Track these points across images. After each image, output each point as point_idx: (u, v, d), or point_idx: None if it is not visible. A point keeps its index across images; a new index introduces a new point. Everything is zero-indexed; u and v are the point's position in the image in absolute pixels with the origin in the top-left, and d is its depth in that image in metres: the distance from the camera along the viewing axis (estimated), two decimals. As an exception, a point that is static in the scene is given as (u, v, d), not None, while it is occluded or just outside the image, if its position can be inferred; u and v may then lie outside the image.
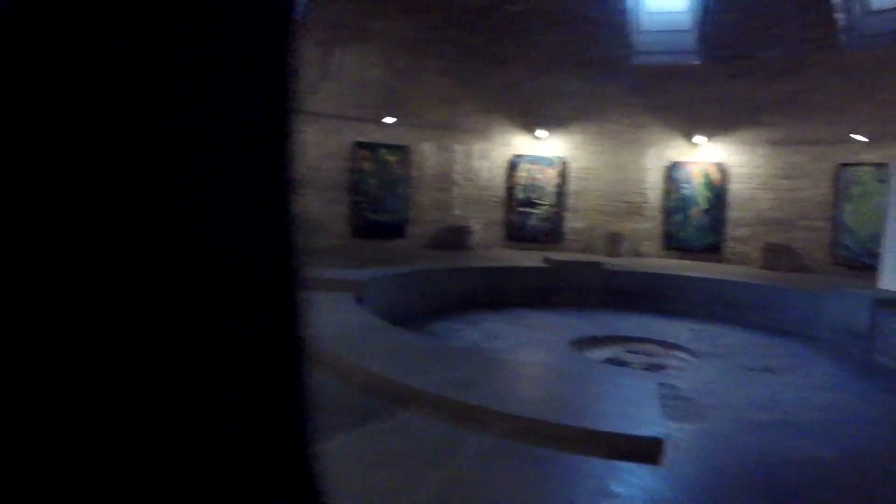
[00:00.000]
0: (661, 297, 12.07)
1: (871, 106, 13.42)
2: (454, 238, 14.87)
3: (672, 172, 15.87)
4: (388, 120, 14.25)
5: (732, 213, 15.52)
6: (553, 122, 16.00)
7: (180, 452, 0.62)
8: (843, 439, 5.60)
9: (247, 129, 0.67)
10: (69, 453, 0.53)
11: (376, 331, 6.40)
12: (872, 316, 9.02)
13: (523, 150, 16.01)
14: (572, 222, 16.25)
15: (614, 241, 15.59)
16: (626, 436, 3.70)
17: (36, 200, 0.51)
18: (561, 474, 3.16)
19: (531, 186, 16.02)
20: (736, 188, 15.51)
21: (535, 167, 15.99)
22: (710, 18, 14.74)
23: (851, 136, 13.36)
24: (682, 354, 9.08)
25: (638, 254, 15.84)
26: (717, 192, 15.52)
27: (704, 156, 15.67)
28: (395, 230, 14.56)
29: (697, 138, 15.53)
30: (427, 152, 15.21)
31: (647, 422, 3.93)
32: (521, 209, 16.03)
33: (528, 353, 8.41)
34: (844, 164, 13.99)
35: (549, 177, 16.04)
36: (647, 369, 8.20)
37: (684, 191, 15.76)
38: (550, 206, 16.08)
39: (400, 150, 14.67)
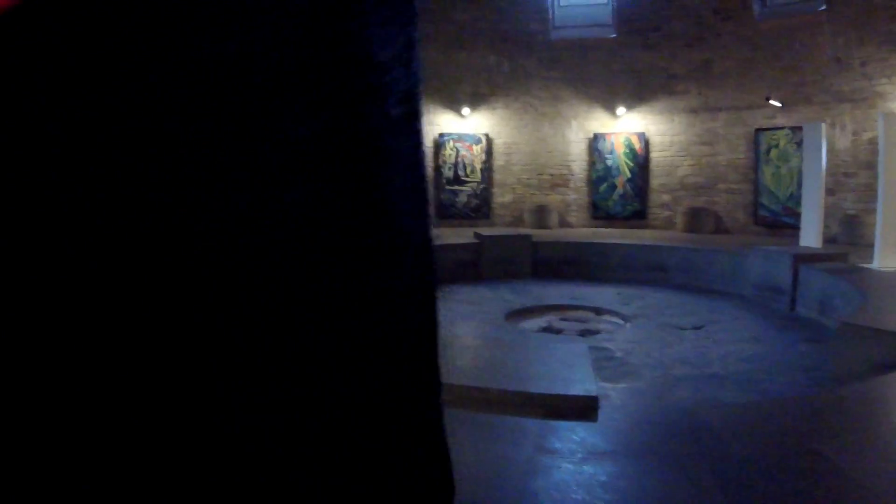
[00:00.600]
0: (589, 265, 12.32)
1: (782, 72, 13.92)
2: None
3: (595, 144, 16.17)
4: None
5: (655, 181, 15.94)
6: (475, 98, 16.10)
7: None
8: (764, 387, 5.90)
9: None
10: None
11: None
12: (794, 271, 9.43)
13: (448, 129, 16.07)
14: (500, 197, 16.42)
15: (542, 214, 15.82)
16: (561, 395, 3.83)
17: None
18: (501, 436, 3.27)
19: (458, 164, 16.12)
20: (657, 156, 15.92)
21: (461, 144, 16.09)
22: (624, -9, 15.08)
23: (769, 100, 13.82)
24: (613, 318, 9.33)
25: (565, 224, 16.14)
26: (640, 161, 15.90)
27: (625, 126, 16.01)
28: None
29: (619, 109, 15.84)
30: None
31: (581, 382, 4.06)
32: (449, 187, 16.11)
33: (464, 328, 8.51)
34: (760, 129, 14.49)
35: (475, 153, 16.16)
36: (580, 335, 8.39)
37: (608, 161, 16.08)
38: (478, 182, 16.22)
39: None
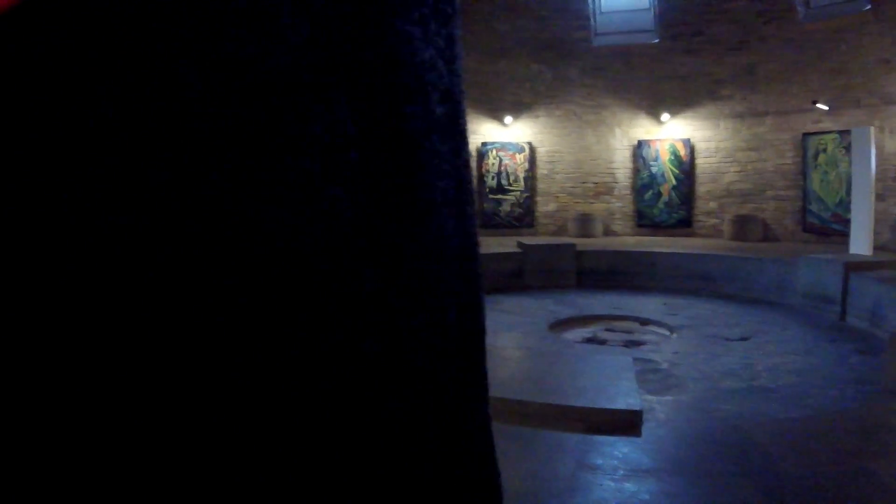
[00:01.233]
0: (634, 274, 12.19)
1: (828, 74, 13.62)
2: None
3: (639, 151, 16.00)
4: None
5: (701, 188, 15.69)
6: (517, 107, 16.05)
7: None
8: (813, 401, 5.74)
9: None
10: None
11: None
12: (844, 280, 9.19)
13: (491, 138, 16.04)
14: (543, 206, 16.33)
15: (586, 222, 15.69)
16: (603, 410, 3.76)
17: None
18: (542, 451, 3.22)
19: (501, 173, 16.08)
20: (703, 163, 15.68)
21: (503, 153, 16.05)
22: (665, -4, 14.95)
23: (816, 104, 13.53)
24: (659, 329, 9.19)
25: (610, 233, 15.98)
26: (685, 168, 15.66)
27: (670, 133, 15.80)
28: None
29: (664, 116, 15.66)
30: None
31: (625, 395, 3.99)
32: (492, 196, 16.08)
33: (506, 339, 8.47)
34: (807, 134, 14.17)
35: (518, 162, 16.10)
36: (625, 346, 8.29)
37: (652, 168, 15.89)
38: (521, 191, 16.15)
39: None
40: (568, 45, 15.57)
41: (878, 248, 11.44)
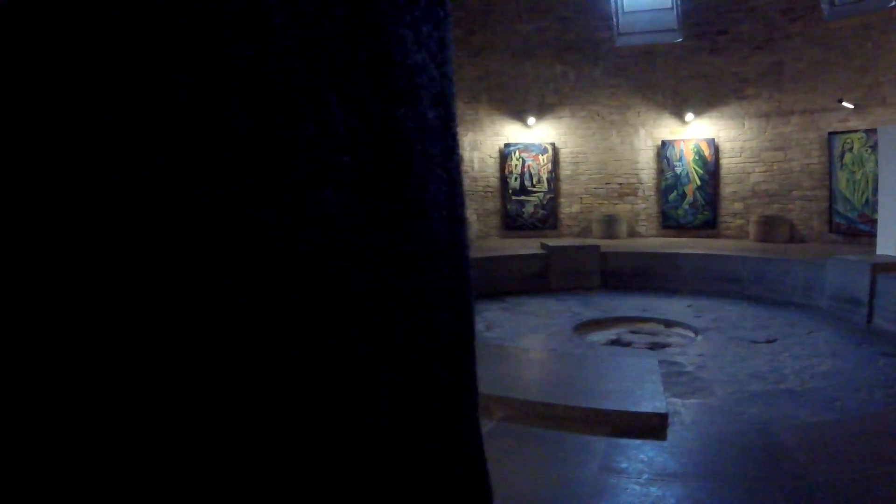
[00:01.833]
0: (659, 276, 12.11)
1: (854, 73, 13.47)
2: (450, 231, 14.84)
3: (663, 151, 15.89)
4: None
5: (726, 189, 15.57)
6: (540, 108, 16.01)
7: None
8: (841, 404, 5.66)
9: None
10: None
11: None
12: (871, 282, 9.06)
13: (514, 139, 16.02)
14: (567, 207, 16.28)
15: (610, 224, 15.62)
16: (629, 412, 3.74)
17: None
18: (567, 454, 3.19)
19: (524, 174, 16.04)
20: (727, 163, 15.55)
21: (526, 154, 16.01)
22: (688, -5, 14.88)
23: (841, 103, 13.39)
24: (684, 331, 9.12)
25: (635, 235, 15.90)
26: (710, 169, 15.55)
27: (694, 133, 15.68)
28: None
29: (688, 116, 15.55)
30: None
31: (650, 398, 3.96)
32: (515, 198, 16.05)
33: (531, 340, 8.45)
34: (833, 133, 13.99)
35: (541, 163, 16.06)
36: (650, 348, 8.23)
37: (677, 169, 15.78)
38: (545, 192, 16.10)
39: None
40: (591, 45, 15.52)
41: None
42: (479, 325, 9.05)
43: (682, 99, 15.58)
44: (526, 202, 16.07)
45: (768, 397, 5.97)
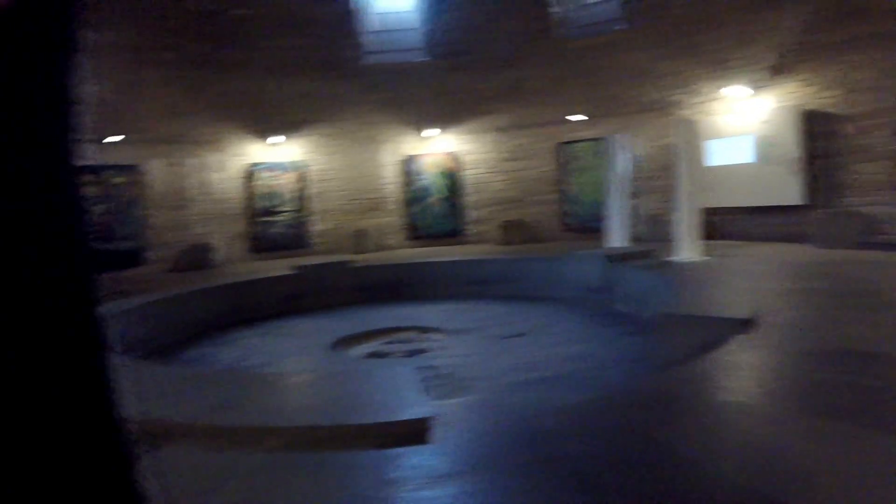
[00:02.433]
0: (410, 285, 12.34)
1: (585, 88, 14.74)
2: (197, 257, 14.16)
3: (408, 166, 16.34)
4: (112, 139, 13.10)
5: (469, 198, 16.33)
6: (288, 126, 15.79)
7: None
8: (595, 383, 6.02)
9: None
10: None
11: (120, 369, 5.91)
12: (605, 271, 9.87)
13: (259, 158, 15.64)
14: (317, 225, 16.16)
15: (359, 238, 15.73)
16: (392, 422, 3.69)
17: None
18: (337, 473, 3.06)
19: (270, 194, 15.70)
20: (470, 174, 16.32)
21: (272, 174, 15.68)
22: (433, 16, 15.43)
23: (567, 117, 14.60)
24: (439, 336, 9.30)
25: (385, 247, 16.12)
26: (453, 180, 16.21)
27: (437, 147, 16.32)
28: (130, 258, 13.49)
29: (427, 131, 16.15)
30: (158, 170, 14.31)
31: (412, 405, 3.96)
32: (262, 219, 15.66)
33: (290, 363, 8.21)
34: (564, 143, 15.24)
35: (287, 182, 15.81)
36: (408, 356, 8.29)
37: (422, 182, 16.28)
38: (293, 211, 15.87)
39: (128, 170, 13.64)
40: (339, 63, 15.58)
41: (634, 240, 12.40)
42: (237, 354, 8.68)
43: (425, 115, 16.14)
44: (275, 222, 15.73)
45: (526, 387, 6.19)
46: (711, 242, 11.34)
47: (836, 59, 11.06)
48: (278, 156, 15.80)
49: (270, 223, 15.70)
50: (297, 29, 15.01)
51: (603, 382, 6.01)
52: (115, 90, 12.90)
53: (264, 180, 15.66)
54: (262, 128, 15.56)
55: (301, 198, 15.93)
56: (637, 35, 13.69)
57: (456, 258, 12.82)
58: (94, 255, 0.73)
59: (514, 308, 10.50)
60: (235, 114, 15.22)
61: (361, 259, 13.58)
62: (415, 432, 3.54)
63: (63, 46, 0.66)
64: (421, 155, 16.34)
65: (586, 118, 14.77)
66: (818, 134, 11.43)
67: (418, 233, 16.38)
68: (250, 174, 15.57)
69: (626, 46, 13.91)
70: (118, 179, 13.43)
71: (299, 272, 12.13)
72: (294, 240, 15.85)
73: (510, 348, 8.00)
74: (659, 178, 13.81)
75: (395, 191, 16.55)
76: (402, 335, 9.48)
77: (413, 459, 3.15)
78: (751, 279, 7.70)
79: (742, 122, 12.42)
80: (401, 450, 3.31)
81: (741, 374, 4.15)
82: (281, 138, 15.70)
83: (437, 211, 16.31)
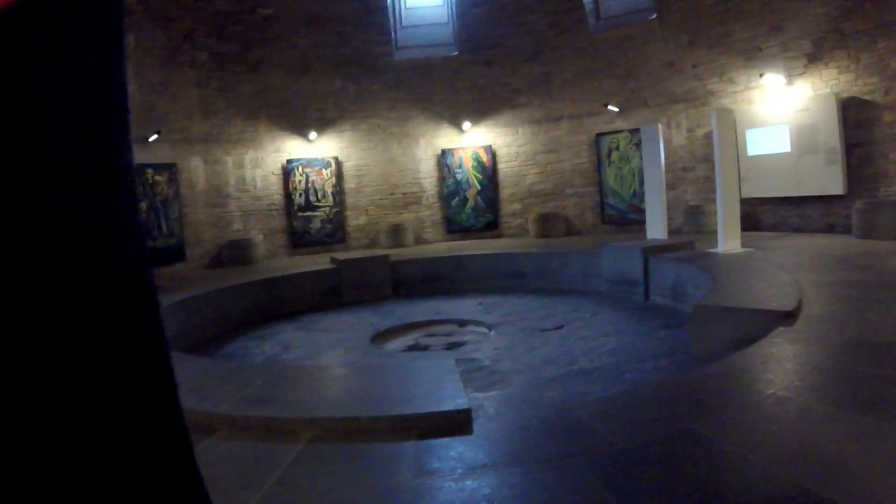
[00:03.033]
0: (449, 279, 12.40)
1: (618, 79, 14.64)
2: (237, 253, 14.39)
3: (443, 160, 16.36)
4: (151, 138, 13.30)
5: (504, 191, 16.33)
6: (323, 122, 15.90)
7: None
8: (631, 376, 6.03)
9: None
10: None
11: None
12: (644, 263, 9.83)
13: (296, 154, 15.78)
14: (354, 220, 16.27)
15: (397, 233, 15.81)
16: (433, 413, 3.73)
17: None
18: (379, 463, 3.13)
19: (309, 190, 15.84)
20: (504, 167, 16.31)
21: (310, 170, 15.82)
22: (463, 10, 15.47)
23: (606, 106, 14.50)
24: (477, 328, 9.35)
25: (422, 241, 16.20)
26: (488, 173, 16.23)
27: (472, 141, 16.31)
28: (171, 255, 13.75)
29: (465, 125, 16.15)
30: (196, 168, 14.55)
31: (452, 396, 3.99)
32: (301, 214, 15.81)
33: (330, 357, 8.31)
34: (600, 134, 15.14)
35: (325, 178, 15.93)
36: (447, 349, 8.35)
37: (457, 176, 16.31)
38: (330, 206, 16.00)
39: (167, 168, 13.87)
40: (370, 59, 15.67)
41: (672, 232, 12.33)
42: (276, 348, 8.81)
43: (458, 109, 16.16)
44: (312, 218, 15.87)
45: (563, 379, 6.23)
46: (750, 233, 11.23)
47: (871, 47, 10.86)
48: (314, 152, 15.92)
49: (308, 219, 15.84)
50: (328, 26, 15.14)
51: (640, 376, 6.03)
52: (150, 91, 13.15)
53: (301, 176, 15.80)
54: (297, 124, 15.69)
55: (337, 193, 16.05)
56: (668, 25, 13.56)
57: (493, 252, 12.84)
58: (148, 252, 0.74)
59: (552, 301, 10.51)
60: (270, 111, 15.38)
61: (399, 253, 13.66)
62: (456, 424, 3.59)
63: (117, 44, 0.68)
64: (456, 149, 16.37)
65: (618, 110, 14.69)
66: (856, 122, 11.24)
67: (454, 227, 16.42)
68: (288, 170, 15.72)
69: (658, 36, 13.79)
70: (158, 178, 13.64)
71: (338, 266, 12.24)
72: (331, 235, 15.98)
73: (547, 341, 8.02)
74: (696, 170, 13.74)
75: (430, 185, 16.60)
76: (441, 328, 9.54)
77: (455, 450, 3.20)
78: (790, 271, 7.63)
79: (779, 111, 12.25)
80: (442, 441, 3.37)
81: (781, 367, 4.13)
82: (315, 135, 15.80)
83: (473, 205, 16.35)
